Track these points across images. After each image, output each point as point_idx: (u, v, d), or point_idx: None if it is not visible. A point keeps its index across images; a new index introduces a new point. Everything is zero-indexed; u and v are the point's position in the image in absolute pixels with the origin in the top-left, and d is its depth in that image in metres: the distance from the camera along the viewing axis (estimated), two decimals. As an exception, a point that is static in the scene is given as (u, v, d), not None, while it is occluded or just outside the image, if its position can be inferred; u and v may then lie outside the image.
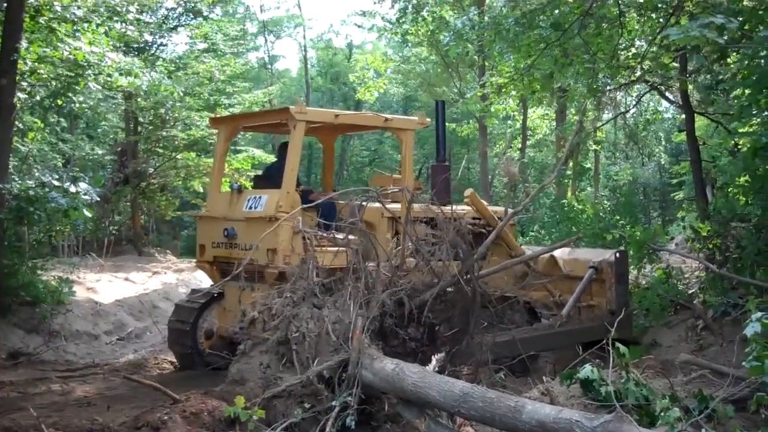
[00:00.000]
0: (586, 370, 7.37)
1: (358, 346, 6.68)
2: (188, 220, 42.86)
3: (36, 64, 14.92)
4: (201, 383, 8.35)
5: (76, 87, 15.51)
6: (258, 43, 49.56)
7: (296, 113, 9.92)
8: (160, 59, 25.41)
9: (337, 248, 8.84)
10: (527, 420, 5.27)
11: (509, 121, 32.99)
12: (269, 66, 49.66)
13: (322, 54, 52.29)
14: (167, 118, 24.88)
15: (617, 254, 11.18)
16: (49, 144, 19.89)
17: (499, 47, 15.03)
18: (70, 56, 14.84)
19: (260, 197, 10.17)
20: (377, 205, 10.30)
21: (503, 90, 16.70)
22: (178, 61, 26.77)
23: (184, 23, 27.75)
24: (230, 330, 9.74)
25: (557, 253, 11.91)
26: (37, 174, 14.83)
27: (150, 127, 25.74)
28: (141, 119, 26.11)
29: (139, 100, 23.31)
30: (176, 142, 25.24)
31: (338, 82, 47.35)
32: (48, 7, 14.82)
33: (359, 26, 48.59)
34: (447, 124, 31.61)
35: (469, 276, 7.58)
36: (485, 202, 12.28)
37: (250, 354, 7.36)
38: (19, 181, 12.94)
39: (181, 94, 19.12)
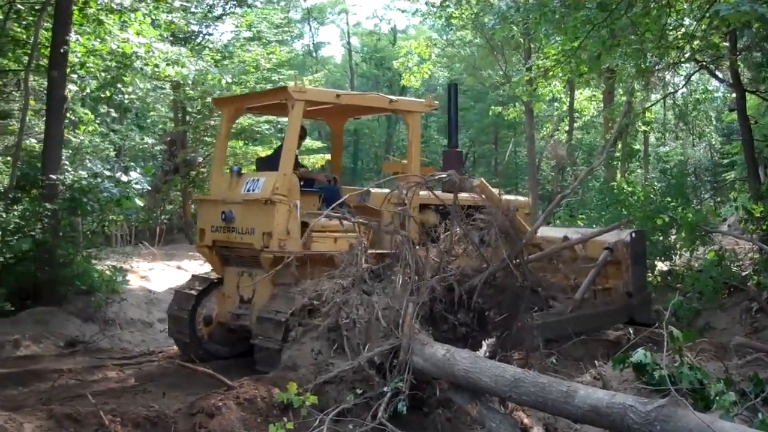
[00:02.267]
0: (639, 354, 7.33)
1: (408, 331, 6.71)
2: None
3: (85, 56, 15.13)
4: (251, 370, 8.45)
5: (125, 78, 15.69)
6: (302, 30, 49.71)
7: (294, 92, 9.41)
8: (207, 48, 25.62)
9: (336, 234, 9.13)
10: (580, 404, 5.25)
11: (556, 104, 32.66)
12: (314, 53, 49.77)
13: (367, 39, 52.26)
14: (213, 107, 25.07)
15: (633, 234, 10.94)
16: (101, 135, 20.17)
17: (545, 29, 14.90)
18: (118, 49, 15.04)
19: (258, 179, 9.79)
20: (385, 191, 10.07)
21: (550, 73, 16.54)
22: (224, 50, 26.97)
23: (229, 12, 27.96)
24: (227, 316, 10.05)
25: (571, 233, 11.53)
26: (89, 165, 15.10)
27: (198, 117, 25.98)
28: (189, 109, 26.37)
29: (186, 89, 23.53)
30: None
31: (382, 68, 47.28)
32: (96, -3, 15.02)
33: (403, 11, 48.45)
34: (492, 107, 31.58)
35: (518, 260, 7.54)
36: (497, 191, 11.60)
37: (302, 340, 7.45)
38: (72, 172, 13.19)
39: (228, 82, 19.23)
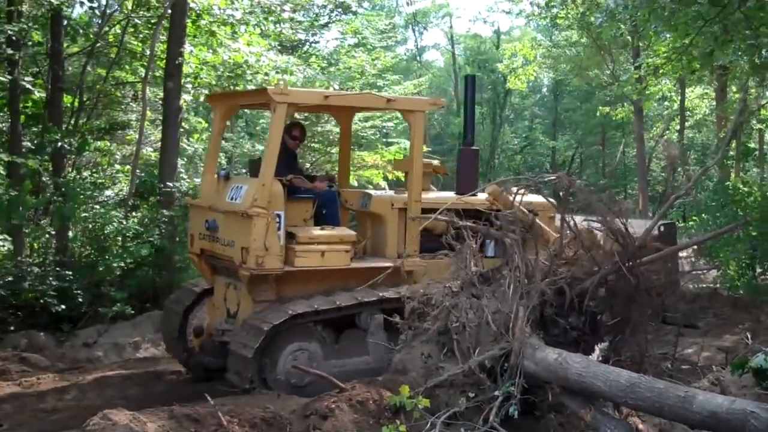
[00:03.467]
0: (759, 359, 7.12)
1: (519, 335, 6.68)
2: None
3: (198, 68, 15.63)
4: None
5: (237, 88, 16.11)
6: (406, 35, 49.95)
7: (275, 94, 8.51)
8: (313, 56, 26.02)
9: (325, 246, 8.72)
10: (698, 410, 5.14)
11: (666, 102, 31.86)
12: (418, 57, 49.94)
13: (470, 42, 52.08)
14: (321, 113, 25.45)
15: (661, 227, 10.23)
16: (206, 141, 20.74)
17: (655, 26, 14.59)
18: (230, 59, 15.47)
19: (242, 187, 8.99)
20: (388, 194, 10.11)
21: (660, 71, 16.18)
22: (330, 56, 27.34)
23: (334, 20, 28.33)
24: (215, 328, 9.55)
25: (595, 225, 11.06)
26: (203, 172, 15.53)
27: (306, 123, 26.39)
28: (297, 115, 26.82)
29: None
30: (331, 137, 25.79)
31: (486, 70, 47.01)
32: (208, 10, 15.50)
33: (507, 12, 48.11)
34: (600, 108, 31.01)
35: (631, 263, 7.40)
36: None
37: (412, 344, 7.47)
38: (187, 180, 13.63)
39: (336, 88, 19.50)
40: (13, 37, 13.52)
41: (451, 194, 10.17)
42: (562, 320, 7.30)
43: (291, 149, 9.72)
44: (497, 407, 6.44)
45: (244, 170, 17.03)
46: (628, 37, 23.69)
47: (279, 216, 8.57)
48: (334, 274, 8.94)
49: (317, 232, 8.89)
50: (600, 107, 31.80)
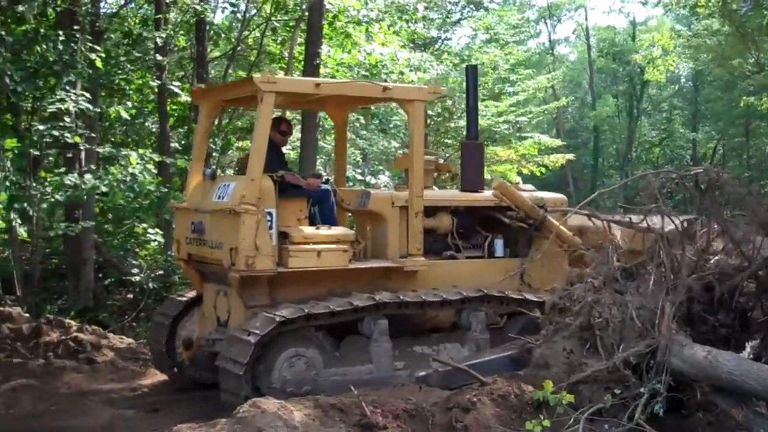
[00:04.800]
0: None
1: (666, 332, 6.53)
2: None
3: (335, 68, 15.95)
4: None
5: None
6: (538, 28, 49.35)
7: (261, 83, 8.00)
8: (445, 53, 26.09)
9: (321, 246, 8.17)
10: None
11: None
12: (551, 51, 49.26)
13: (604, 34, 50.98)
14: (454, 109, 25.49)
15: (685, 223, 9.69)
16: (349, 141, 21.10)
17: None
18: (365, 60, 15.73)
19: (230, 185, 8.43)
20: (388, 192, 9.57)
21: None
22: (461, 53, 27.35)
23: (466, 16, 28.33)
24: (205, 338, 8.89)
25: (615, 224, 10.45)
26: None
27: (438, 119, 26.51)
28: (430, 112, 26.96)
29: (429, 93, 24.09)
30: (464, 133, 25.76)
31: (621, 62, 45.90)
32: (343, 12, 15.81)
33: (643, 3, 46.83)
34: (744, 98, 29.77)
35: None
36: (528, 188, 10.29)
37: (553, 339, 7.41)
38: (328, 177, 13.92)
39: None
40: (161, 44, 14.19)
41: (454, 191, 9.88)
42: (710, 317, 7.09)
43: (278, 144, 9.22)
44: (643, 404, 6.31)
45: (380, 167, 17.22)
46: (775, 24, 22.66)
47: (270, 214, 8.03)
48: (332, 275, 8.44)
49: (313, 231, 8.38)
50: (744, 97, 30.54)
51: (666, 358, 6.42)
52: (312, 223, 8.73)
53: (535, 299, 9.00)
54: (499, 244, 9.63)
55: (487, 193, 9.74)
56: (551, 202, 9.90)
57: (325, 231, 8.40)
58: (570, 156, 27.67)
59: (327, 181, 9.45)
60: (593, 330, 7.06)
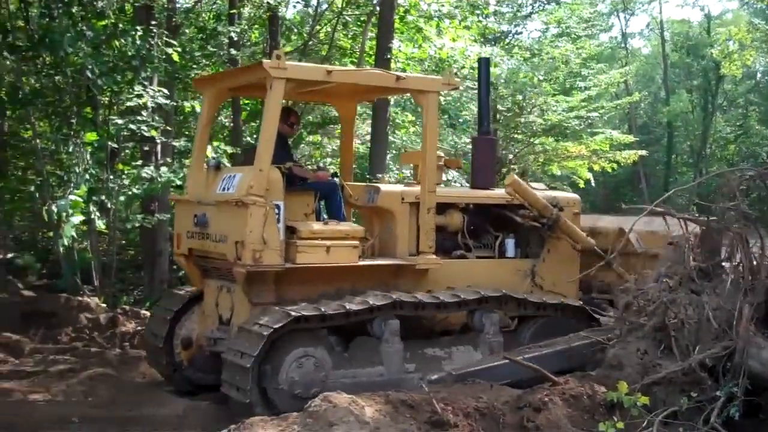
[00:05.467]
0: None
1: (744, 334, 6.41)
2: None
3: (405, 63, 15.99)
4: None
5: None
6: (611, 22, 48.59)
7: (272, 68, 7.60)
8: (516, 47, 25.91)
9: (330, 242, 7.75)
10: None
11: None
12: (623, 45, 48.49)
13: (678, 28, 49.95)
14: (524, 104, 25.29)
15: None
16: (416, 135, 21.15)
17: None
18: (436, 54, 15.73)
19: (235, 176, 8.11)
20: (398, 187, 9.15)
21: None
22: (532, 47, 27.13)
23: (537, 10, 28.07)
24: (206, 337, 8.50)
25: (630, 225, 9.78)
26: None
27: (509, 115, 26.35)
28: (500, 107, 26.82)
29: (499, 88, 23.95)
30: (534, 128, 25.58)
31: (696, 57, 44.91)
32: (415, 6, 15.83)
33: (719, -5, 45.80)
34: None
35: None
36: (539, 187, 9.89)
37: (627, 339, 7.32)
38: (396, 171, 13.99)
39: (540, 79, 19.36)
40: (235, 38, 14.39)
41: (464, 188, 9.62)
42: (790, 320, 6.93)
43: (285, 136, 8.86)
44: (719, 408, 6.21)
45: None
46: None
47: (278, 207, 7.64)
48: (341, 272, 8.09)
49: (321, 226, 8.02)
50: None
51: (743, 361, 6.31)
52: (317, 218, 8.44)
53: (556, 303, 8.87)
54: (510, 243, 9.34)
55: (498, 191, 9.49)
56: (564, 201, 9.59)
57: (334, 226, 8.04)
58: (642, 152, 27.23)
59: (335, 175, 9.17)
60: (668, 331, 6.96)
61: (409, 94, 9.65)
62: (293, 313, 7.32)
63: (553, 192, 10.00)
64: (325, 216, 8.63)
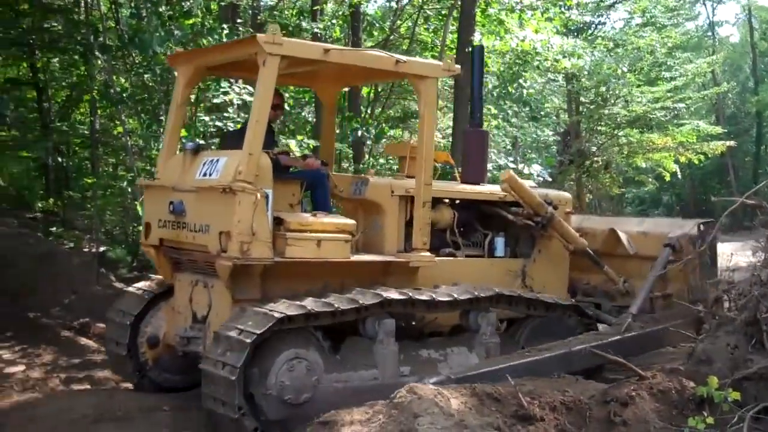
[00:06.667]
0: None
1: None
2: (628, 197, 42.54)
3: (487, 56, 15.96)
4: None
5: (525, 74, 16.28)
6: (697, 10, 47.48)
7: (266, 44, 6.87)
8: (599, 38, 25.60)
9: (321, 234, 7.06)
10: None
11: None
12: (710, 33, 47.33)
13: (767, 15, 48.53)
14: (608, 96, 24.99)
15: (701, 226, 8.78)
16: (500, 128, 21.06)
17: None
18: (518, 47, 15.65)
19: (218, 160, 7.28)
20: (386, 180, 8.55)
21: None
22: (616, 37, 26.77)
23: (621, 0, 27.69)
24: (178, 336, 7.69)
25: (620, 227, 9.55)
26: (493, 157, 15.90)
27: (592, 106, 26.07)
28: (583, 99, 26.54)
29: (582, 80, 23.72)
30: (618, 120, 25.26)
31: (788, 45, 43.65)
32: (497, -1, 15.82)
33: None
34: None
35: None
36: (531, 184, 9.38)
37: (716, 334, 7.20)
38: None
39: (624, 70, 19.10)
40: (318, 34, 14.59)
41: (454, 183, 9.08)
42: None
43: (269, 120, 7.68)
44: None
45: (534, 154, 17.10)
46: None
47: (267, 195, 6.92)
48: (331, 268, 7.40)
49: (311, 218, 7.31)
50: None
51: (841, 358, 6.16)
52: (302, 207, 7.89)
53: (558, 302, 8.58)
54: (499, 242, 8.90)
55: (490, 187, 9.08)
56: (557, 200, 9.21)
57: (324, 218, 7.35)
58: (731, 143, 26.64)
59: (324, 163, 8.40)
60: (759, 325, 6.82)
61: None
62: (276, 315, 6.56)
63: (545, 190, 9.65)
64: (308, 207, 8.10)
